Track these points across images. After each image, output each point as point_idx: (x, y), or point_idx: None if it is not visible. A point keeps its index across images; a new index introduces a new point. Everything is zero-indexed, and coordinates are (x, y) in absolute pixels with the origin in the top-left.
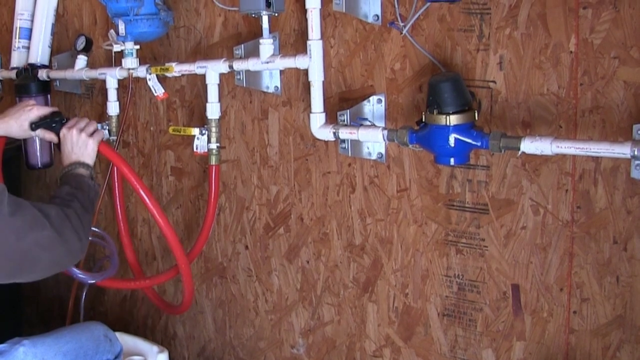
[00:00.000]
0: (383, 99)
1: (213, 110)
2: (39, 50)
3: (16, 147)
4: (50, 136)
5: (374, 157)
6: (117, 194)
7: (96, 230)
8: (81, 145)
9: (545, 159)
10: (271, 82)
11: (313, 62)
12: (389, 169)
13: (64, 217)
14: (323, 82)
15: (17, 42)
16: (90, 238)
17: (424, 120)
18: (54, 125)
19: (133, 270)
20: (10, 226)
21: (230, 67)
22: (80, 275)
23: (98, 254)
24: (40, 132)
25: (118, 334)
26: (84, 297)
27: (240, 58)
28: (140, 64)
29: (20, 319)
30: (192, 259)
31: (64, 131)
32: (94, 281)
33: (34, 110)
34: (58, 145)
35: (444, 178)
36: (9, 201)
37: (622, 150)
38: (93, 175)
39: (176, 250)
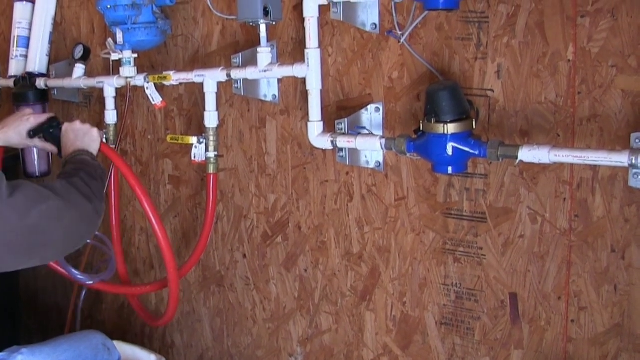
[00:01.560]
0: (381, 108)
1: (211, 119)
2: (37, 58)
3: (13, 157)
4: (50, 147)
5: (371, 165)
6: (113, 201)
7: (96, 233)
8: (86, 132)
9: (543, 168)
10: (269, 90)
11: (311, 70)
12: (386, 178)
13: (68, 185)
14: (321, 90)
15: (15, 51)
16: (89, 241)
17: (421, 128)
18: (51, 130)
19: (121, 278)
20: (10, 207)
21: (228, 75)
22: (78, 277)
23: (97, 257)
24: (40, 142)
25: (116, 343)
26: (81, 304)
27: (238, 67)
28: (138, 72)
29: (18, 327)
30: (189, 267)
31: (65, 125)
32: (92, 282)
33: (32, 118)
34: (59, 154)
35: (441, 187)
36: (7, 185)
37: (620, 159)
38: (95, 159)
39: (168, 263)
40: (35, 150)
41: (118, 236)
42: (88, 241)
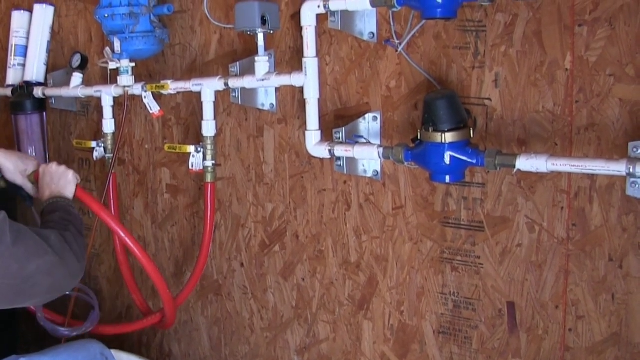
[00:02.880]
0: (378, 117)
1: (208, 128)
2: (35, 67)
3: None
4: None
5: (369, 174)
6: (113, 211)
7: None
8: (61, 174)
9: (540, 177)
10: (267, 99)
11: (308, 79)
12: (384, 187)
13: (63, 241)
14: (318, 99)
15: (13, 60)
16: (71, 293)
17: (419, 137)
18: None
19: (129, 288)
20: (13, 255)
21: (226, 84)
22: (62, 331)
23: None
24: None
25: (114, 352)
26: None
27: (236, 76)
28: (135, 81)
29: (16, 336)
30: (194, 282)
31: (42, 167)
32: (75, 334)
33: None
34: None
35: (439, 195)
36: (10, 228)
37: (618, 168)
38: (73, 207)
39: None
40: (32, 156)
41: (122, 247)
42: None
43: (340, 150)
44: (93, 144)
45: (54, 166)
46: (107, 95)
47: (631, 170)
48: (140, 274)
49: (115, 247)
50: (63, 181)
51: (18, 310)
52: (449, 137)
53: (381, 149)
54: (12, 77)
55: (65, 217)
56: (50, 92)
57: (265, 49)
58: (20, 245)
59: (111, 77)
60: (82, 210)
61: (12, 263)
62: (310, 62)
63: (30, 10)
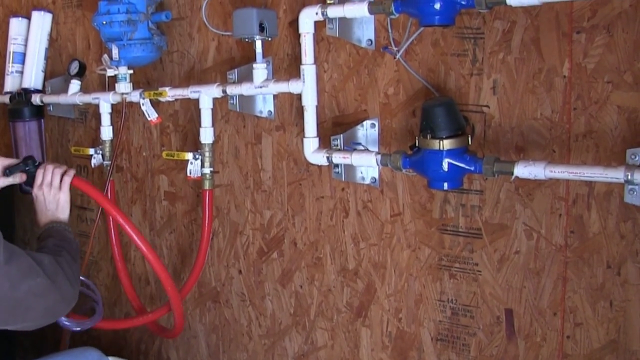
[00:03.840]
0: (376, 124)
1: (206, 135)
2: (33, 74)
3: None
4: (20, 177)
5: (367, 181)
6: (111, 219)
7: (82, 278)
8: (52, 201)
9: (538, 184)
10: (264, 106)
11: (306, 86)
12: (382, 194)
13: (56, 265)
14: (316, 106)
15: (11, 67)
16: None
17: (417, 144)
18: (27, 168)
19: (127, 295)
20: (5, 274)
21: (224, 91)
22: (66, 323)
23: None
24: (12, 178)
25: (112, 359)
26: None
27: (234, 83)
28: (133, 88)
29: (13, 345)
30: (189, 287)
31: (35, 191)
32: (79, 329)
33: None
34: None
35: (437, 203)
36: (4, 248)
37: (616, 175)
38: (70, 230)
39: (168, 286)
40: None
41: (120, 254)
42: None
43: (338, 157)
44: (91, 151)
45: (45, 191)
46: (105, 102)
47: (629, 177)
48: (138, 281)
49: (113, 254)
50: (54, 205)
51: None
52: (447, 144)
53: (379, 156)
54: (10, 84)
55: (59, 243)
56: (48, 99)
57: (263, 56)
58: (13, 265)
59: (109, 84)
60: (80, 217)
61: (4, 282)
62: (308, 69)
63: (28, 18)
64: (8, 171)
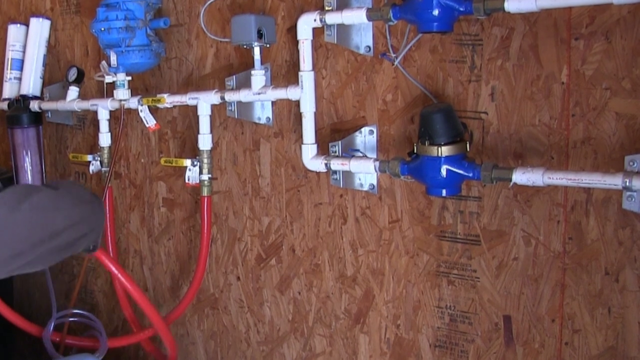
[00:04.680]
0: (375, 130)
1: (205, 142)
2: (31, 81)
3: (8, 179)
4: None
5: (365, 188)
6: (108, 225)
7: (82, 312)
8: None
9: (536, 190)
10: (263, 113)
11: (305, 93)
12: (380, 200)
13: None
14: (315, 113)
15: (9, 73)
16: (76, 319)
17: (415, 151)
18: None
19: (121, 305)
20: None
21: (222, 98)
22: None
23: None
24: None
25: None
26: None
27: (232, 89)
28: (132, 95)
29: (11, 350)
30: (191, 295)
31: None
32: None
33: None
34: None
35: (435, 209)
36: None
37: (614, 182)
38: None
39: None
40: (29, 172)
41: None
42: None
43: (336, 164)
44: (89, 157)
45: None
46: (103, 109)
47: (627, 183)
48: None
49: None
50: None
51: (14, 325)
52: (445, 150)
53: (377, 163)
54: (8, 90)
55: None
56: (47, 105)
57: (262, 63)
58: (7, 191)
59: (107, 91)
60: None
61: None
62: (307, 75)
63: (27, 24)
64: None
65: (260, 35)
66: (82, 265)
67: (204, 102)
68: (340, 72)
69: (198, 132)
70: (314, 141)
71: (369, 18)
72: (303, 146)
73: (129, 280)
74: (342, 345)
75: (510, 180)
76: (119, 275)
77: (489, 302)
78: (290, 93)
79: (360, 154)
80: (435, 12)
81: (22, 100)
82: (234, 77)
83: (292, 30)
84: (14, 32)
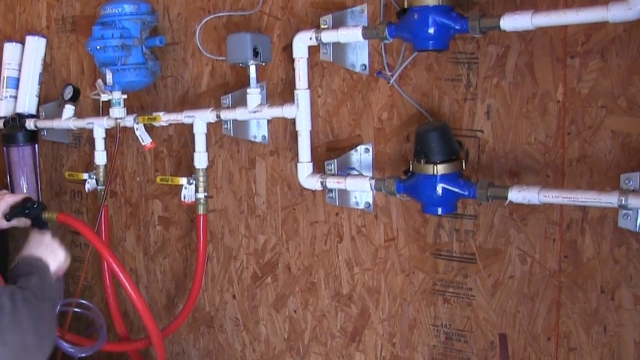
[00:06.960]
0: (370, 149)
1: (200, 160)
2: (27, 99)
3: None
4: (24, 222)
5: (361, 206)
6: (104, 238)
7: (84, 302)
8: (53, 249)
9: (532, 209)
10: (258, 131)
11: (300, 111)
12: (376, 219)
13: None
14: (310, 131)
15: (5, 92)
16: (78, 310)
17: (411, 169)
18: (27, 211)
19: (115, 324)
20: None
21: (218, 116)
22: (69, 349)
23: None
24: (15, 221)
25: None
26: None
27: (228, 107)
28: (127, 113)
29: None
30: (187, 311)
31: (34, 232)
32: (83, 355)
33: (5, 199)
34: (35, 225)
35: (431, 227)
36: None
37: (610, 200)
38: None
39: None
40: (24, 189)
41: (111, 282)
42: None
43: (332, 182)
44: (85, 175)
45: (47, 237)
46: (99, 127)
47: (623, 202)
48: (132, 306)
49: (104, 279)
50: (49, 251)
51: None
52: (441, 169)
53: (373, 181)
54: (4, 109)
55: (40, 285)
56: (42, 124)
57: (257, 81)
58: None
59: (103, 109)
60: (74, 242)
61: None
62: (302, 94)
63: (22, 42)
64: (8, 216)
65: (256, 53)
66: (78, 284)
67: (200, 120)
68: (336, 90)
69: (194, 150)
70: (309, 159)
71: (365, 36)
72: (299, 164)
73: (132, 285)
74: None
75: (506, 198)
76: (119, 274)
77: (485, 320)
78: (286, 111)
79: (356, 172)
80: (431, 31)
81: (18, 119)
82: (230, 95)
83: (288, 48)
84: (10, 50)
